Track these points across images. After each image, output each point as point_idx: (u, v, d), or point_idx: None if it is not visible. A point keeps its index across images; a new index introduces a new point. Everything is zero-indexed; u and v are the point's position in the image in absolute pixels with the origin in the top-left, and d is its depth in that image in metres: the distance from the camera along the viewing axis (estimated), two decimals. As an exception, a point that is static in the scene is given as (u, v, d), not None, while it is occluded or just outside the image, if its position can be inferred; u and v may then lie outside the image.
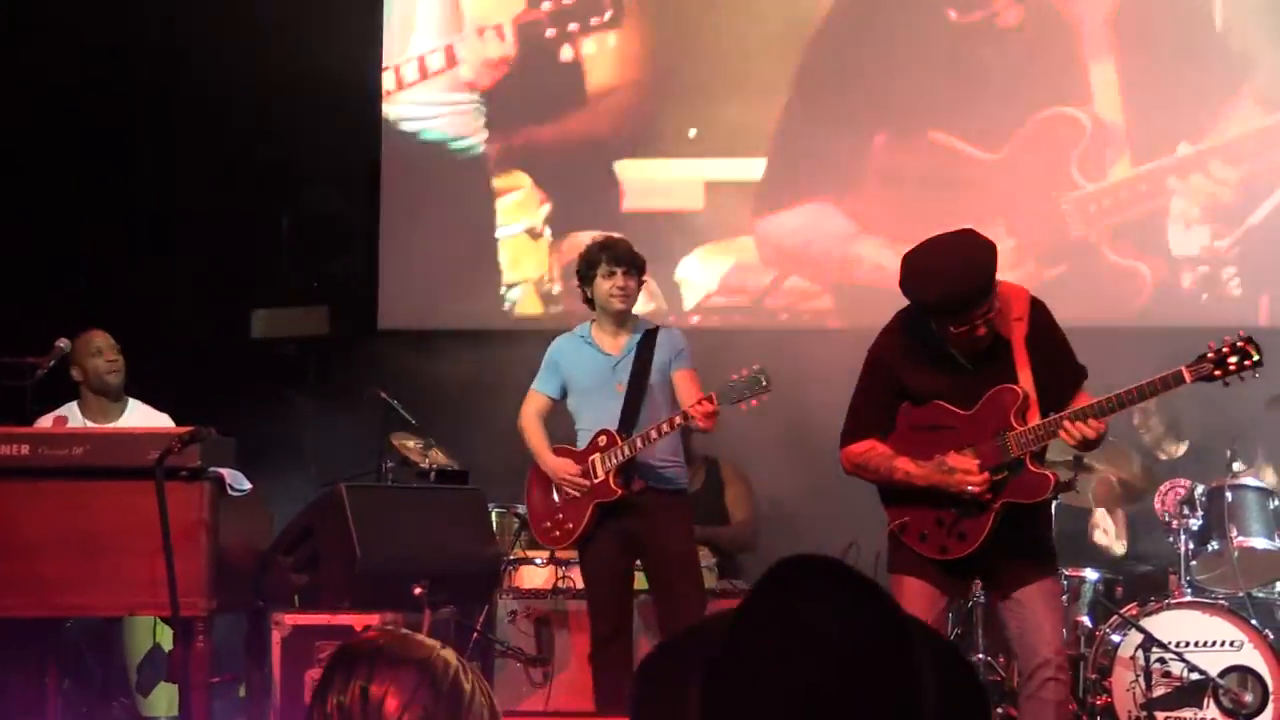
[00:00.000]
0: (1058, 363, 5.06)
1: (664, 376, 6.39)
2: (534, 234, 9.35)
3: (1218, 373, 4.85)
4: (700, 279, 9.15)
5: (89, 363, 6.94)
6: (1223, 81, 8.71)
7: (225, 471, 5.75)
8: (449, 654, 2.22)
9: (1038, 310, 5.08)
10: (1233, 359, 4.84)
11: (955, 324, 4.88)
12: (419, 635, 2.25)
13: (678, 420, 6.13)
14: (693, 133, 9.24)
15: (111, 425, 6.86)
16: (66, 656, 6.55)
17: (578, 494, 6.35)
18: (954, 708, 1.59)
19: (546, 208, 9.34)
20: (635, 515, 6.30)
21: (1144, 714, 6.46)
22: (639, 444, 6.21)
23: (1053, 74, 8.89)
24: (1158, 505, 7.10)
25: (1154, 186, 8.73)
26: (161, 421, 6.91)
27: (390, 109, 9.49)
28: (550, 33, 9.33)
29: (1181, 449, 7.75)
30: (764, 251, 9.12)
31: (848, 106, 9.01)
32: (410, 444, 7.64)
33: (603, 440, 6.32)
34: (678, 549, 6.33)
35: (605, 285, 6.38)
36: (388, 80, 9.48)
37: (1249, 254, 8.62)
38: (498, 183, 9.41)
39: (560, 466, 6.39)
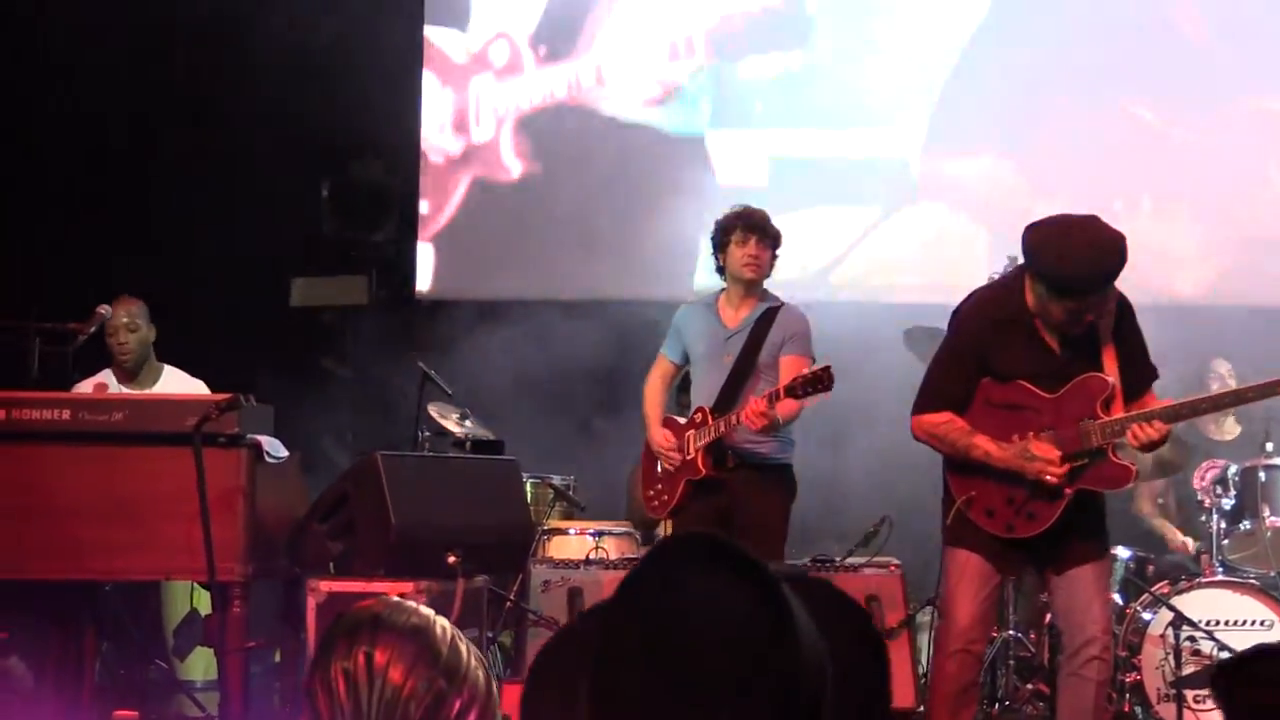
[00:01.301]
0: (1135, 360, 5.06)
1: (774, 355, 6.29)
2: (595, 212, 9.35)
3: None
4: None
5: (107, 340, 7.00)
6: None
7: (262, 438, 5.79)
8: (444, 622, 2.25)
9: (1125, 305, 5.07)
10: None
11: (1073, 303, 4.85)
12: (414, 603, 2.28)
13: (733, 419, 6.09)
14: (760, 107, 9.23)
15: (145, 391, 6.92)
16: (105, 620, 6.60)
17: (671, 468, 6.36)
18: (847, 666, 1.61)
19: (602, 178, 9.35)
20: (727, 492, 6.26)
21: (1173, 692, 6.47)
22: (723, 426, 6.16)
23: (1266, 63, 8.76)
24: (1196, 484, 7.10)
25: None
26: (196, 387, 6.96)
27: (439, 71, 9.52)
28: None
29: (1235, 431, 7.73)
30: (932, 197, 9.05)
31: (1030, 63, 8.92)
32: (447, 413, 7.68)
33: (698, 417, 6.30)
34: (759, 520, 6.16)
35: (738, 253, 6.30)
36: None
37: None
38: (553, 153, 9.40)
39: (659, 439, 6.40)
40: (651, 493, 6.52)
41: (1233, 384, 7.71)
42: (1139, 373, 5.07)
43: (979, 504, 5.07)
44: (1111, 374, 4.97)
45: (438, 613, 2.27)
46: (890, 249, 9.10)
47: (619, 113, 9.38)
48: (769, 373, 6.27)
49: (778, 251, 6.41)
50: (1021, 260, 5.02)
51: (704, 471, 6.24)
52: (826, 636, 1.60)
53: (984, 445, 5.02)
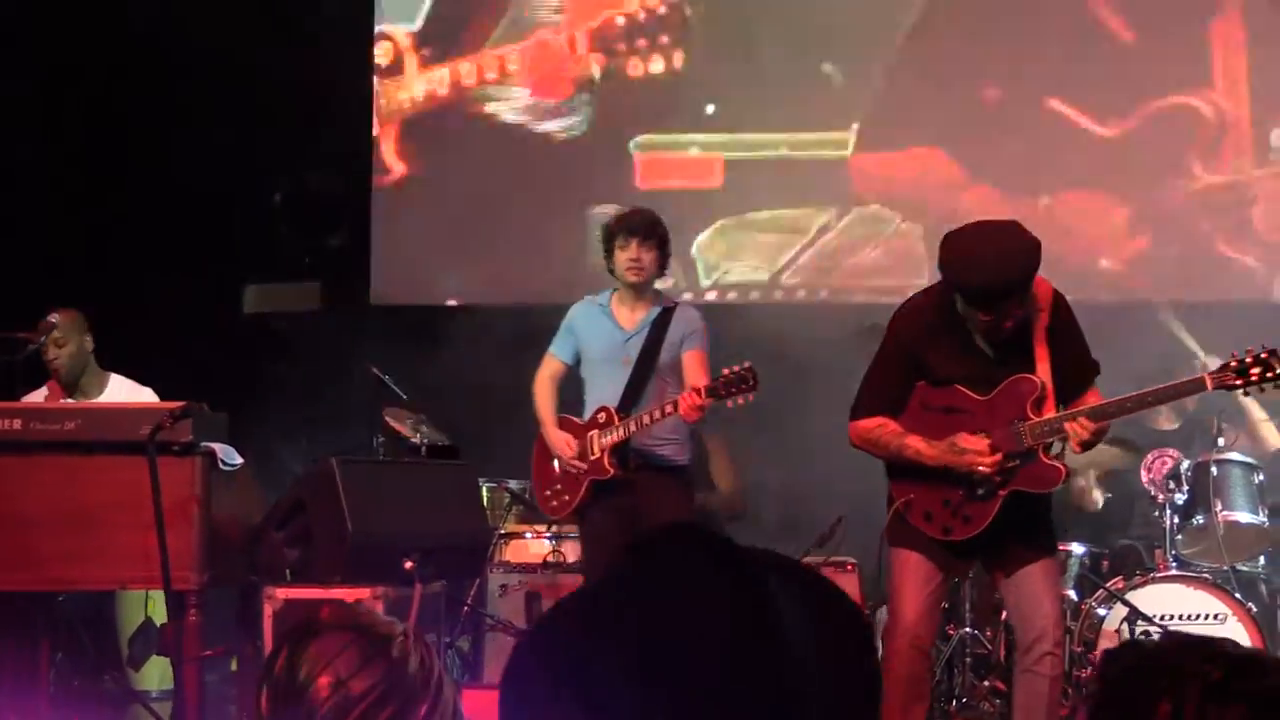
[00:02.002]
0: (1074, 357, 5.10)
1: (675, 356, 6.33)
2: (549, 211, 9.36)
3: (1239, 381, 4.91)
4: (717, 256, 9.18)
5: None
6: None
7: (217, 446, 5.77)
8: (396, 623, 2.24)
9: (1059, 303, 5.10)
10: (1255, 370, 4.89)
11: (985, 313, 4.91)
12: (362, 606, 2.27)
13: (669, 410, 6.10)
14: (710, 109, 9.25)
15: (92, 401, 6.87)
16: (59, 631, 6.56)
17: (573, 471, 6.36)
18: (830, 650, 1.61)
19: (562, 184, 9.35)
20: (632, 492, 6.28)
21: (1082, 693, 6.49)
22: (633, 426, 6.19)
23: (1180, 60, 8.83)
24: (1144, 475, 7.15)
25: (1274, 187, 8.72)
26: (144, 396, 6.90)
27: (391, 78, 9.51)
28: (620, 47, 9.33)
29: (1176, 422, 7.79)
30: (865, 192, 9.12)
31: (961, 61, 8.99)
32: (402, 419, 7.67)
33: (602, 417, 6.30)
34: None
35: (621, 257, 6.33)
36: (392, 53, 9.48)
37: None
38: (500, 157, 9.40)
39: (560, 441, 6.37)
40: (549, 492, 6.48)
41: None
42: (1077, 370, 5.11)
43: (917, 507, 5.13)
44: (1042, 375, 5.01)
45: (395, 618, 2.26)
46: (840, 249, 9.11)
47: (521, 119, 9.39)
48: (670, 371, 6.32)
49: (668, 251, 6.42)
50: None
51: (611, 471, 6.25)
52: (815, 628, 1.59)
53: (915, 444, 5.08)
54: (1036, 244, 4.91)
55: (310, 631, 2.19)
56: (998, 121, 8.92)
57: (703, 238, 9.18)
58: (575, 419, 6.44)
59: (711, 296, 9.09)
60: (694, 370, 6.25)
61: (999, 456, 4.98)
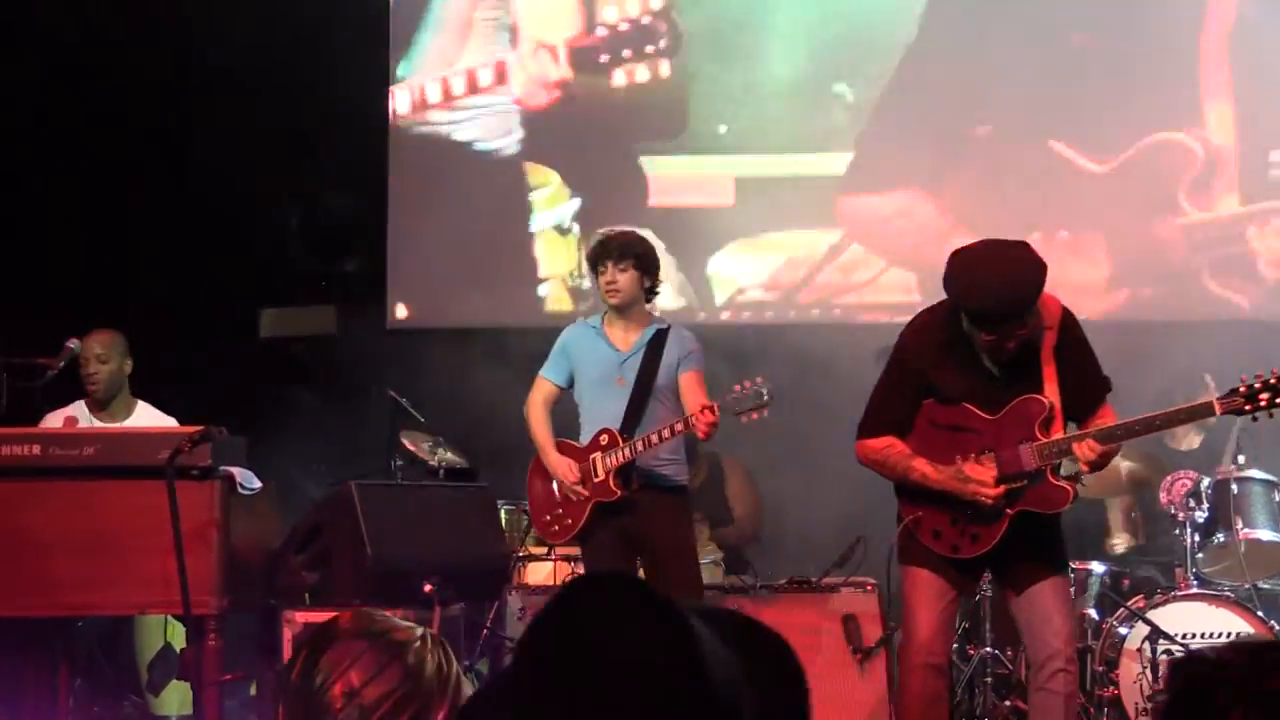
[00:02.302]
0: (1084, 375, 5.09)
1: (671, 377, 6.31)
2: (561, 230, 9.37)
3: (1247, 406, 4.90)
4: (731, 275, 9.17)
5: (79, 372, 6.97)
6: None
7: (236, 470, 5.77)
8: (410, 629, 2.23)
9: (1068, 320, 5.09)
10: (1264, 395, 4.89)
11: (988, 333, 4.91)
12: (380, 613, 2.26)
13: (679, 428, 6.08)
14: (723, 129, 9.25)
15: (118, 425, 6.89)
16: (78, 656, 6.57)
17: (573, 497, 6.34)
18: (767, 695, 1.61)
19: (575, 204, 9.37)
20: (634, 513, 6.26)
21: (1150, 705, 6.47)
22: (640, 446, 6.16)
23: (1169, 98, 8.85)
24: (1164, 498, 7.13)
25: (1261, 224, 8.71)
26: (168, 424, 6.92)
27: (416, 115, 9.53)
28: (604, 58, 9.33)
29: (1198, 441, 7.77)
30: (851, 235, 9.12)
31: (949, 99, 9.01)
32: (419, 442, 7.67)
33: (604, 439, 6.27)
34: (674, 543, 6.28)
35: (600, 281, 6.34)
36: (431, 93, 9.50)
37: None
38: (514, 180, 9.42)
39: (561, 466, 6.33)
40: (549, 517, 6.44)
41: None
42: (1088, 388, 5.10)
43: (926, 525, 5.12)
44: (1050, 395, 5.00)
45: (434, 634, 2.25)
46: (852, 267, 9.11)
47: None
48: (666, 392, 6.30)
49: (651, 269, 6.37)
50: None
51: (619, 493, 6.23)
52: (745, 666, 1.60)
53: (922, 468, 5.07)
54: (1042, 265, 4.90)
55: (325, 640, 2.19)
56: (989, 160, 8.95)
57: (715, 257, 9.17)
58: (574, 443, 6.40)
59: (726, 316, 9.09)
60: (692, 391, 6.24)
61: (1001, 489, 4.97)
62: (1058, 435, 4.98)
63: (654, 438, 6.13)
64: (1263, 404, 4.89)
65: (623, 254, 6.29)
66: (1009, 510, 5.00)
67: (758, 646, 1.68)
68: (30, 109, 9.12)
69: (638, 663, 1.54)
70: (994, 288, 4.84)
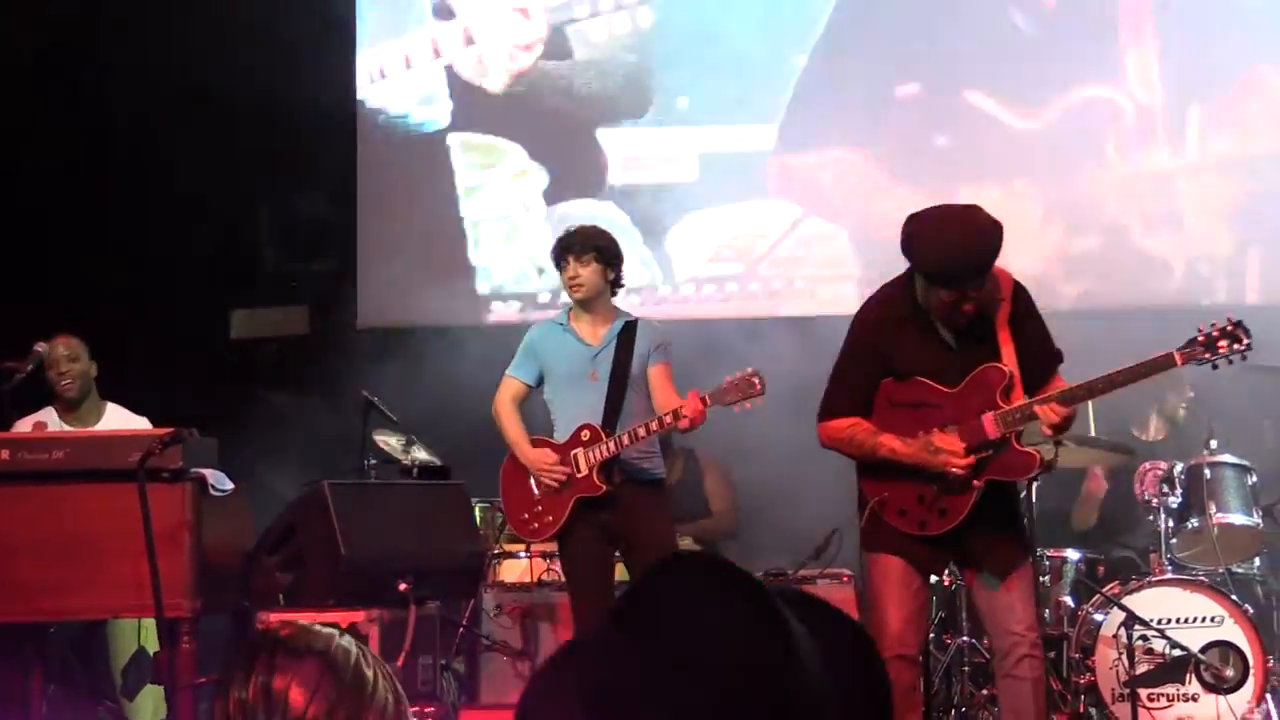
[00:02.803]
0: (1036, 345, 5.11)
1: (643, 369, 6.31)
2: (527, 209, 9.36)
3: (1207, 355, 4.92)
4: (694, 249, 9.15)
5: (48, 375, 6.94)
6: (1274, 84, 8.69)
7: (207, 472, 5.75)
8: (349, 642, 2.21)
9: (1020, 292, 5.12)
10: (1222, 342, 4.90)
11: (950, 293, 4.91)
12: (318, 625, 2.23)
13: (668, 420, 6.07)
14: (684, 102, 9.25)
15: (89, 429, 6.86)
16: (51, 661, 6.54)
17: (557, 486, 6.31)
18: (851, 697, 1.60)
19: (540, 183, 9.34)
20: (613, 508, 6.25)
21: (1127, 691, 6.49)
22: (625, 440, 6.15)
23: (1097, 53, 8.86)
24: (1137, 487, 7.14)
25: (1190, 178, 8.73)
26: (139, 424, 6.89)
27: (373, 96, 9.51)
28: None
29: (1165, 431, 7.79)
30: (784, 194, 9.12)
31: (876, 58, 9.01)
32: (392, 441, 7.65)
33: (586, 434, 6.25)
34: (656, 539, 6.27)
35: (563, 278, 6.34)
36: (373, 67, 9.49)
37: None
38: (479, 168, 9.40)
39: (539, 458, 6.30)
40: (527, 515, 6.39)
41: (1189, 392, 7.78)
42: (1041, 358, 5.11)
43: (892, 505, 5.11)
44: (1009, 363, 5.01)
45: (391, 641, 2.24)
46: (815, 242, 9.13)
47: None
48: (641, 385, 6.30)
49: (613, 261, 6.36)
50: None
51: (603, 488, 6.22)
52: (827, 656, 1.58)
53: (890, 443, 5.07)
54: (999, 225, 4.93)
55: (264, 655, 2.16)
56: (915, 118, 8.97)
57: (676, 231, 9.17)
58: (550, 439, 6.37)
59: (689, 291, 9.07)
60: (661, 385, 6.26)
61: (973, 459, 4.97)
62: (1020, 402, 4.98)
63: (640, 431, 6.12)
64: (1221, 351, 4.90)
65: (584, 248, 6.27)
66: (976, 481, 5.00)
67: (842, 637, 1.66)
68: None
69: (729, 649, 1.52)
70: (956, 244, 4.88)
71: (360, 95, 9.51)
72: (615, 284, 6.41)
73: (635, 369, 6.31)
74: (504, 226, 9.39)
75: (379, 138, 9.54)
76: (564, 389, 6.38)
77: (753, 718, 1.50)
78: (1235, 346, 4.90)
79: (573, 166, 9.31)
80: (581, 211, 8.86)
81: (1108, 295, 8.64)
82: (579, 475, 6.24)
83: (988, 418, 4.98)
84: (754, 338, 8.12)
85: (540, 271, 9.16)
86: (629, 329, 6.36)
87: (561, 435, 6.33)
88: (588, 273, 6.27)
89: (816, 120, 9.04)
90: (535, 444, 6.38)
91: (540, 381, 6.44)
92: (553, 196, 9.29)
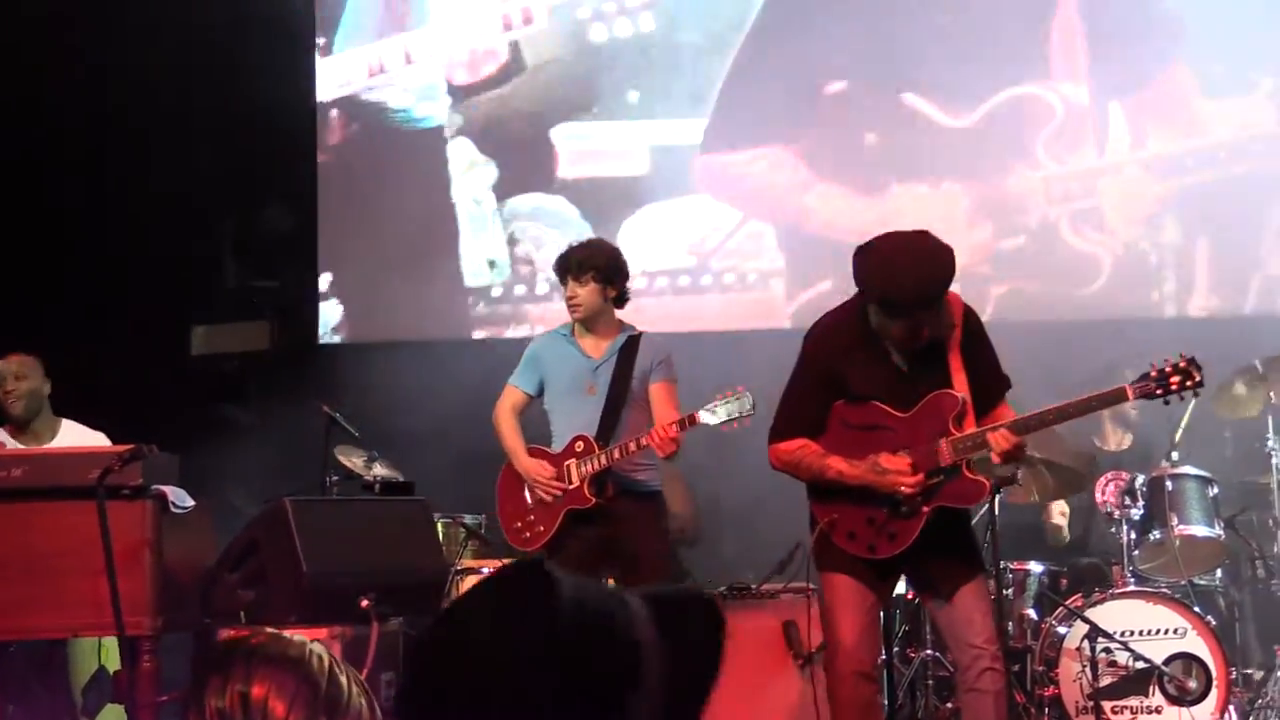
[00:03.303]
0: (986, 371, 5.12)
1: (643, 384, 6.32)
2: (477, 203, 9.36)
3: (1159, 391, 4.96)
4: (645, 242, 9.15)
5: None
6: (1193, 83, 8.78)
7: (168, 489, 5.70)
8: (321, 650, 2.19)
9: (970, 318, 5.15)
10: (1175, 379, 4.95)
11: (905, 321, 4.91)
12: (289, 633, 2.21)
13: (644, 442, 6.08)
14: (635, 96, 9.26)
15: (44, 447, 6.80)
16: (10, 682, 6.47)
17: (550, 500, 6.30)
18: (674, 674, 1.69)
19: (489, 177, 9.35)
20: (606, 521, 6.25)
21: (1091, 704, 6.51)
22: (616, 454, 6.15)
23: (1024, 51, 8.95)
24: (1098, 497, 7.17)
25: (1119, 177, 8.82)
26: (96, 440, 6.85)
27: (334, 105, 9.49)
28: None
29: (1127, 441, 7.82)
30: (714, 194, 9.17)
31: (805, 55, 9.04)
32: (354, 457, 7.62)
33: (579, 446, 6.26)
34: (647, 551, 6.25)
35: (566, 296, 6.35)
36: (355, 76, 9.49)
37: (1210, 250, 8.74)
38: (439, 171, 9.41)
39: (535, 469, 6.33)
40: (520, 524, 6.42)
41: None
42: (989, 385, 5.13)
43: (841, 527, 5.11)
44: (960, 388, 5.02)
45: (353, 658, 2.22)
46: (764, 235, 9.17)
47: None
48: (640, 400, 6.30)
49: (612, 278, 6.35)
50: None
51: (593, 500, 6.21)
52: (663, 634, 1.70)
53: (837, 465, 5.07)
54: (951, 250, 4.94)
55: (249, 660, 2.14)
56: (842, 116, 9.02)
57: (628, 225, 9.17)
58: (546, 449, 6.39)
59: (641, 284, 9.07)
60: (662, 403, 6.25)
61: (921, 477, 4.98)
62: (971, 429, 4.99)
63: (631, 445, 6.12)
64: (1174, 388, 4.94)
65: (581, 268, 6.29)
66: (925, 508, 5.00)
67: (681, 622, 1.74)
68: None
69: (497, 658, 1.63)
70: (910, 274, 4.87)
71: (320, 104, 9.48)
72: (618, 300, 6.40)
73: (635, 384, 6.31)
74: (456, 223, 9.38)
75: (337, 147, 9.51)
76: (563, 400, 6.40)
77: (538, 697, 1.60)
78: (1187, 383, 4.95)
79: (523, 161, 9.31)
80: (532, 206, 8.91)
81: (1035, 294, 8.72)
82: (570, 487, 6.25)
83: (942, 444, 4.98)
84: (727, 350, 8.12)
85: (491, 265, 9.18)
86: (631, 344, 6.37)
87: (558, 446, 6.35)
88: (585, 293, 6.29)
89: (743, 118, 9.08)
90: (532, 453, 6.38)
91: (541, 391, 6.45)
92: (503, 191, 9.28)
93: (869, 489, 5.02)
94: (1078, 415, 5.03)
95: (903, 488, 4.97)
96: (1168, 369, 4.94)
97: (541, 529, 6.33)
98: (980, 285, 8.42)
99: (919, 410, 5.04)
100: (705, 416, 5.98)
